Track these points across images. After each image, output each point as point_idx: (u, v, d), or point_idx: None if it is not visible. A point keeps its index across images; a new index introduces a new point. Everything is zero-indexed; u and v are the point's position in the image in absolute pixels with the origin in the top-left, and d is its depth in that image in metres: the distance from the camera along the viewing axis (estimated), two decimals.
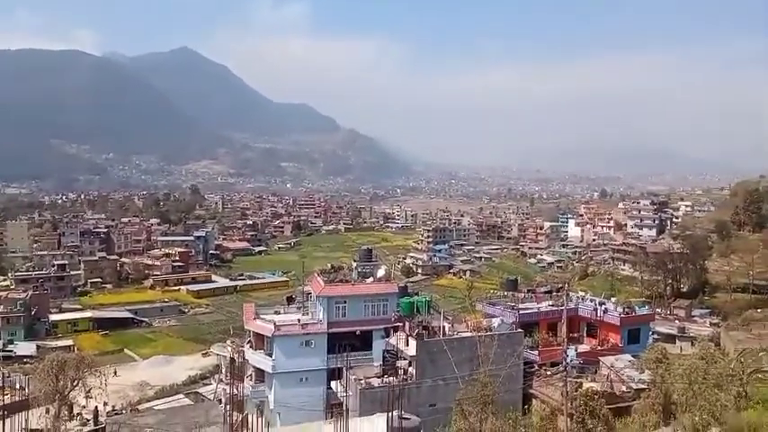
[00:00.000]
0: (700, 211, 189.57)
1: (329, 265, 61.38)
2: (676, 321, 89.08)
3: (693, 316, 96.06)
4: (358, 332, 49.82)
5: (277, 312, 55.24)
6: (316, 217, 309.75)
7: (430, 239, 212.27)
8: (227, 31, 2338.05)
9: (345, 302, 50.40)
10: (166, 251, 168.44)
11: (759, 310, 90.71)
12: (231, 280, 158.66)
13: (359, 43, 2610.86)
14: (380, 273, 56.44)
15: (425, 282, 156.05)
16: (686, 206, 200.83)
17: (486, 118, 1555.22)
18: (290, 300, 60.54)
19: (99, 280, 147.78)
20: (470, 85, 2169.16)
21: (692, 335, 79.04)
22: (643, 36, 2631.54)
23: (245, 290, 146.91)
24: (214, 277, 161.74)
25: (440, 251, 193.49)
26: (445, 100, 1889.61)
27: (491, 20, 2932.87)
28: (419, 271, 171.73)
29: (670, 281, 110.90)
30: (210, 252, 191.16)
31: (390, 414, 17.56)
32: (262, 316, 53.53)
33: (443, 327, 46.76)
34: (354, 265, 59.59)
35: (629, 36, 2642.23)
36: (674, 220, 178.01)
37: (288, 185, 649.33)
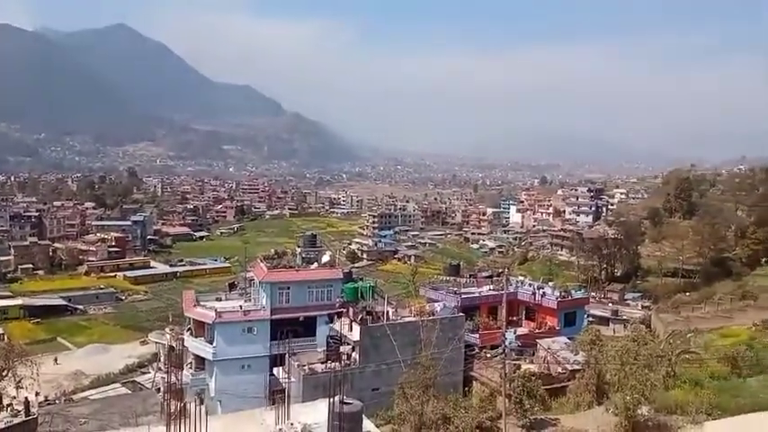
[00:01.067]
0: (634, 198, 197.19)
1: (273, 250, 60.63)
2: (610, 305, 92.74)
3: (626, 299, 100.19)
4: (302, 318, 49.50)
5: (218, 299, 54.26)
6: (260, 202, 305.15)
7: (375, 225, 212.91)
8: (166, 8, 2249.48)
9: (289, 288, 49.92)
10: (102, 236, 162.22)
11: (687, 294, 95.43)
12: (171, 266, 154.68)
13: (304, 23, 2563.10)
14: (325, 258, 56.22)
15: (370, 267, 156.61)
16: (621, 193, 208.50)
17: (432, 103, 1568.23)
18: (231, 286, 59.52)
19: (30, 266, 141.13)
20: (416, 70, 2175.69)
21: (624, 317, 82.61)
22: (588, 27, 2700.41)
23: (185, 276, 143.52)
24: (153, 263, 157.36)
25: (385, 237, 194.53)
26: (391, 84, 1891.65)
27: (439, 2, 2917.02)
28: (364, 256, 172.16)
29: (605, 266, 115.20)
30: (149, 237, 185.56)
31: (332, 399, 17.47)
32: (202, 303, 52.44)
33: (387, 312, 47.01)
34: (299, 250, 59.18)
35: (575, 27, 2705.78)
36: (609, 206, 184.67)
37: (230, 169, 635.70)
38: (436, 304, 51.42)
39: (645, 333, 43.62)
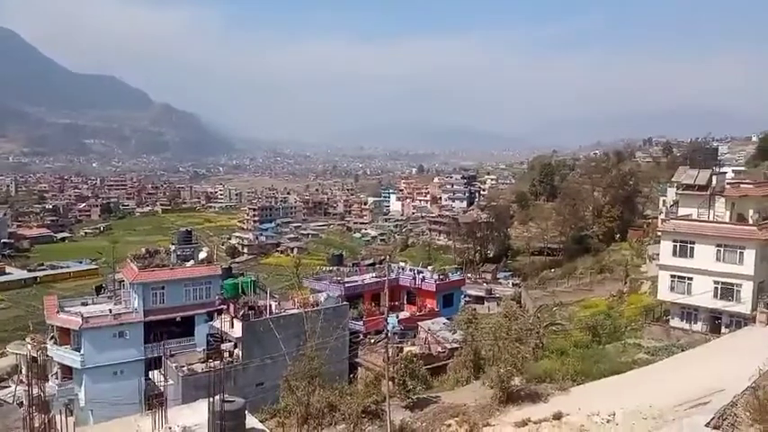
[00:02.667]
0: (503, 183, 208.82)
1: (144, 249, 57.33)
2: (484, 284, 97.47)
3: (499, 278, 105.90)
4: (179, 318, 47.44)
5: (84, 303, 50.58)
6: (128, 198, 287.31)
7: (256, 218, 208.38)
8: None
9: (163, 288, 47.60)
10: None
11: (553, 270, 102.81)
12: (29, 271, 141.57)
13: (173, 10, 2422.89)
14: (202, 255, 54.20)
15: (252, 261, 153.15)
16: (492, 179, 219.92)
17: (311, 93, 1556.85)
18: (99, 289, 55.79)
19: None
20: (296, 59, 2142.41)
21: (497, 295, 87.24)
22: (461, 20, 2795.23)
23: (46, 281, 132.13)
24: (8, 269, 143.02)
25: (266, 230, 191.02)
26: (270, 74, 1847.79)
27: None
28: (245, 251, 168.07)
29: (479, 248, 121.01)
30: (3, 241, 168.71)
31: (212, 398, 16.87)
32: (67, 308, 48.57)
33: (270, 305, 46.26)
34: (173, 248, 56.41)
35: (449, 19, 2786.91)
36: (481, 192, 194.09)
37: (94, 165, 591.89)
38: (320, 295, 51.38)
39: (515, 309, 46.39)
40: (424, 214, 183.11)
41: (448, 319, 50.21)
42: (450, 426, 26.64)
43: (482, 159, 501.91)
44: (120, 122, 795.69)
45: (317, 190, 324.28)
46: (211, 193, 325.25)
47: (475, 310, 48.39)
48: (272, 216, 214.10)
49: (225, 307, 46.84)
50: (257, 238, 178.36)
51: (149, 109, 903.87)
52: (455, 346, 41.25)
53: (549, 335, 46.46)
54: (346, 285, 54.77)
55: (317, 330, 36.27)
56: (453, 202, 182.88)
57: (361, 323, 50.80)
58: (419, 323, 48.65)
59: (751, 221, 45.77)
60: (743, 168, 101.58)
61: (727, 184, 50.40)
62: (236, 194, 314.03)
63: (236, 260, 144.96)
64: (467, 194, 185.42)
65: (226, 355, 42.11)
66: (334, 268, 68.38)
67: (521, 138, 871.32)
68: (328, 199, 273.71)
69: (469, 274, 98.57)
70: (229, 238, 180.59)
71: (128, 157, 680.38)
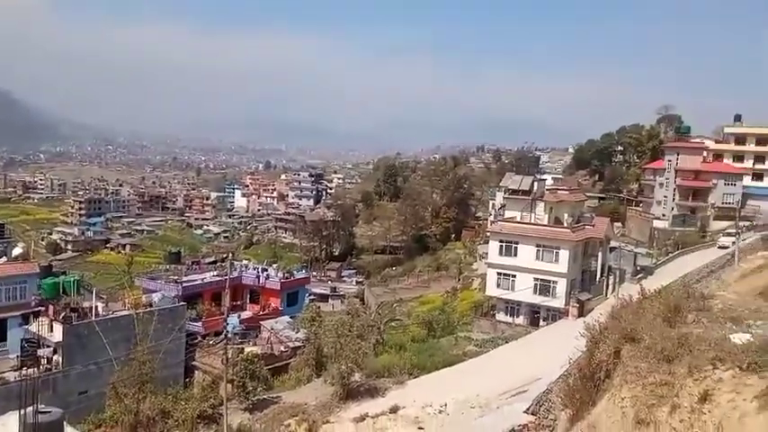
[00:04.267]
0: (350, 182, 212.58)
1: None
2: (329, 282, 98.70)
3: (343, 276, 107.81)
4: None
5: None
6: None
7: (82, 212, 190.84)
8: None
9: None
10: None
11: (394, 268, 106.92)
12: None
13: None
14: (16, 251, 48.82)
15: (77, 259, 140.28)
16: (339, 178, 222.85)
17: (150, 79, 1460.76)
18: None
19: None
20: (129, 40, 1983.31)
21: (342, 293, 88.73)
22: (310, 17, 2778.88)
23: None
24: None
25: (94, 224, 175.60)
26: (99, 54, 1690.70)
27: None
28: (69, 247, 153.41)
29: (325, 246, 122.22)
30: None
31: (24, 410, 15.14)
32: None
33: (96, 307, 42.62)
34: None
35: (299, 14, 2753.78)
36: (328, 191, 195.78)
37: None
38: (154, 295, 48.37)
39: (358, 306, 47.62)
40: (270, 211, 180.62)
41: (292, 317, 49.93)
42: (289, 426, 26.56)
43: (330, 158, 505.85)
44: None
45: (153, 183, 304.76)
46: (30, 182, 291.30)
47: (319, 308, 48.73)
48: (101, 210, 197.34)
49: (43, 308, 42.35)
50: (83, 233, 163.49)
51: None
52: (298, 344, 41.18)
53: (389, 330, 48.25)
54: (184, 285, 52.18)
55: (149, 333, 34.27)
56: (300, 199, 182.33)
57: (199, 324, 48.69)
58: (262, 323, 47.82)
59: (566, 224, 51.18)
60: (560, 176, 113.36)
61: (547, 190, 55.96)
62: (60, 185, 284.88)
63: (58, 257, 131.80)
64: (314, 192, 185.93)
65: (43, 361, 38.11)
66: (172, 267, 64.95)
67: (367, 137, 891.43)
68: (167, 193, 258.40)
69: (315, 273, 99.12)
70: (50, 233, 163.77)
71: None
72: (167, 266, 66.50)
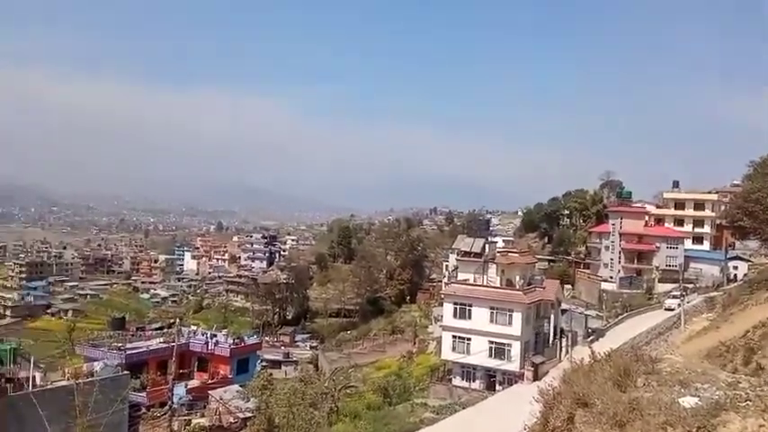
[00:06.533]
0: (303, 244, 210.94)
1: None
2: (282, 347, 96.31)
3: (297, 341, 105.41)
4: None
5: None
6: None
7: (23, 275, 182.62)
8: None
9: None
10: None
11: (349, 332, 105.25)
12: None
13: None
14: None
15: (16, 326, 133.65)
16: (292, 240, 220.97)
17: (96, 139, 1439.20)
18: None
19: None
20: (73, 98, 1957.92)
21: (295, 359, 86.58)
22: (250, 78, 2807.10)
23: None
24: None
25: (35, 289, 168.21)
26: (42, 111, 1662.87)
27: (101, 32, 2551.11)
28: (8, 313, 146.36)
29: (278, 309, 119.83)
30: None
31: None
32: None
33: (34, 377, 40.18)
34: None
35: (238, 76, 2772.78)
36: (282, 252, 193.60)
37: None
38: (95, 364, 46.05)
39: (312, 373, 46.52)
40: (221, 274, 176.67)
41: (242, 386, 48.18)
42: None
43: (283, 220, 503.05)
44: None
45: (99, 245, 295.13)
46: None
47: (271, 375, 47.39)
48: (43, 273, 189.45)
49: None
50: (23, 298, 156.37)
51: None
52: (248, 414, 39.60)
53: (343, 398, 47.04)
54: (128, 352, 49.99)
55: (90, 405, 32.41)
56: (253, 261, 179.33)
57: (143, 394, 46.40)
58: (210, 392, 45.93)
59: (518, 287, 51.89)
60: (511, 238, 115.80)
61: (498, 252, 56.91)
62: (1, 247, 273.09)
63: None
64: (267, 254, 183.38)
65: None
66: (115, 333, 62.24)
67: (318, 200, 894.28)
68: (113, 255, 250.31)
69: (267, 338, 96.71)
70: None
71: None
72: (111, 333, 63.64)
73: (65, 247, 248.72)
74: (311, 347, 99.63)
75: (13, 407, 37.18)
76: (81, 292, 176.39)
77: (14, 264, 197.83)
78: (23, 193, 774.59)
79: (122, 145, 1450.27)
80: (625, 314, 63.68)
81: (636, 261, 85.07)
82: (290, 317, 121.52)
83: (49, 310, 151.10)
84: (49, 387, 39.62)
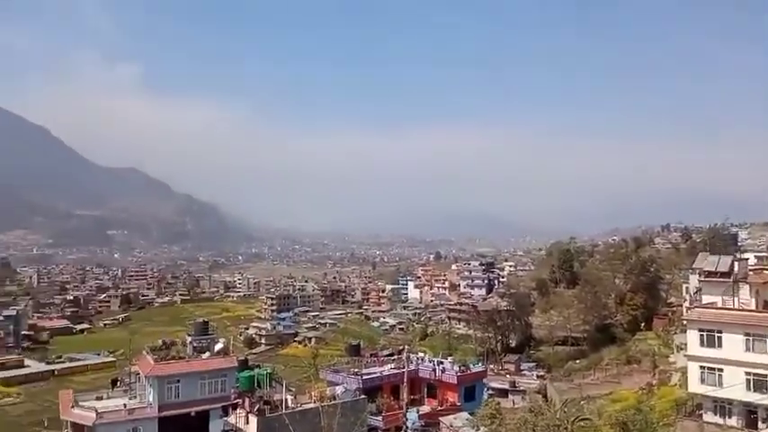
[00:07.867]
0: (521, 270, 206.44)
1: (161, 341, 57.01)
2: (507, 376, 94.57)
3: (522, 370, 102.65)
4: (193, 413, 46.27)
5: (99, 398, 49.69)
6: (148, 289, 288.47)
7: (274, 307, 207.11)
8: (48, 91, 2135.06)
9: (179, 382, 46.79)
10: None
11: (578, 361, 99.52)
12: (47, 363, 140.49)
13: (194, 104, 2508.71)
14: (218, 346, 53.60)
15: (269, 352, 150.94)
16: (510, 266, 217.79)
17: (329, 183, 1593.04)
18: (114, 383, 54.89)
19: None
20: (312, 149, 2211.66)
21: (522, 388, 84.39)
22: (472, 110, 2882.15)
23: (64, 374, 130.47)
24: (27, 361, 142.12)
25: (284, 319, 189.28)
26: (287, 164, 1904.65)
27: (330, 80, 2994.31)
28: (263, 341, 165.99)
29: (500, 337, 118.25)
30: (23, 333, 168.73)
31: None
32: (81, 403, 47.75)
33: (286, 399, 45.01)
34: (189, 339, 56.03)
35: (462, 109, 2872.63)
36: (500, 279, 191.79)
37: (116, 255, 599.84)
38: (337, 387, 49.99)
39: (541, 403, 44.86)
40: (442, 302, 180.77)
41: (470, 413, 48.36)
42: None
43: (499, 246, 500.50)
44: (141, 213, 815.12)
45: (334, 278, 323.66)
46: (230, 282, 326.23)
47: (499, 403, 46.89)
48: (289, 305, 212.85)
49: (240, 401, 45.71)
50: (275, 327, 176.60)
51: (171, 200, 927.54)
52: None
53: (577, 431, 44.46)
54: (364, 377, 53.40)
55: (333, 426, 35.06)
56: (472, 289, 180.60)
57: (379, 418, 49.04)
58: (440, 418, 46.90)
59: None
60: (765, 254, 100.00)
61: (750, 270, 49.60)
62: (255, 283, 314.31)
63: (254, 351, 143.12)
64: (485, 281, 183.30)
65: None
66: (352, 359, 67.01)
67: (534, 225, 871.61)
68: (346, 287, 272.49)
69: (491, 365, 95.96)
70: (247, 328, 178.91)
71: (149, 248, 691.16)
72: (348, 359, 68.69)
73: (306, 281, 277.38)
74: (538, 377, 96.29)
75: (270, 426, 42.01)
76: (321, 321, 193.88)
77: (267, 297, 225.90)
78: (273, 235, 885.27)
79: (349, 185, 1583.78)
80: None
81: None
82: (513, 344, 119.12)
83: (296, 339, 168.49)
84: (299, 409, 44.02)
